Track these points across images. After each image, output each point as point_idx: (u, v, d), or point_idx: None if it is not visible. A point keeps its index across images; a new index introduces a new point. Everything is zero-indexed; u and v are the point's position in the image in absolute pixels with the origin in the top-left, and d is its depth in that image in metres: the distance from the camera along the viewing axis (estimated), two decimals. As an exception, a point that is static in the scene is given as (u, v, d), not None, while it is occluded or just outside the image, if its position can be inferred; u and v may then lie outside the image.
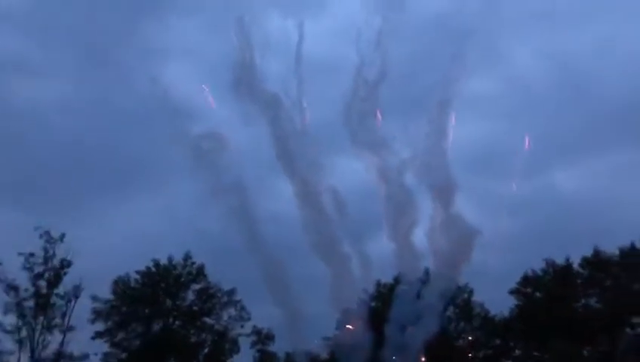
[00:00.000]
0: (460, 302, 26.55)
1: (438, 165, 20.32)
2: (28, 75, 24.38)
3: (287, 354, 25.24)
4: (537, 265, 25.93)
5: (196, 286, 26.36)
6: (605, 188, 37.72)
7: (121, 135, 27.00)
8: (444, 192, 20.55)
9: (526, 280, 26.57)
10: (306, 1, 23.29)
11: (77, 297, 23.13)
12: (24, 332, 22.41)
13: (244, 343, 26.01)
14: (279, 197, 21.77)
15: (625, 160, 40.16)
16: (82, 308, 23.02)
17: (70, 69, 24.80)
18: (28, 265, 22.81)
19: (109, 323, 25.01)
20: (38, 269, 22.89)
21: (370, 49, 20.78)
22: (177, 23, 21.91)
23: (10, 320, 22.30)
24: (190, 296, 26.33)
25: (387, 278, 25.93)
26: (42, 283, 22.65)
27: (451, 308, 26.12)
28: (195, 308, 26.26)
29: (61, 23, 23.30)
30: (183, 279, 26.66)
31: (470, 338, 26.71)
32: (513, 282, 26.09)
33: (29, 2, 23.00)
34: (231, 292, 26.37)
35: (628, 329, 24.44)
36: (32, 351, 22.43)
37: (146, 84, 21.67)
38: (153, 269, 26.28)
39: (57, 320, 22.88)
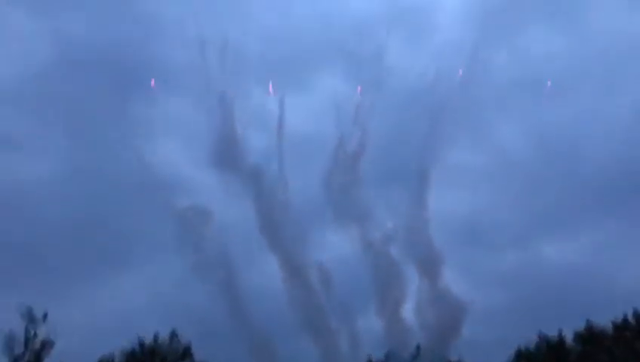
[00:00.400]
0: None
1: (422, 237, 20.56)
2: (13, 151, 24.72)
3: None
4: (530, 339, 25.87)
5: (183, 367, 26.04)
6: (593, 260, 37.73)
7: (106, 211, 27.12)
8: (430, 265, 20.61)
9: (519, 356, 26.07)
10: (288, 77, 24.31)
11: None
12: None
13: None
14: (265, 271, 21.69)
15: (614, 231, 40.51)
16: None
17: (56, 146, 25.25)
18: (8, 347, 22.49)
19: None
20: (19, 350, 22.69)
21: (351, 123, 21.67)
22: (163, 98, 22.69)
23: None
24: (176, 377, 25.97)
25: (378, 355, 25.76)
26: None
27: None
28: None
29: (48, 99, 23.95)
30: (168, 360, 26.08)
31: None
32: (505, 355, 25.73)
33: (17, 80, 23.80)
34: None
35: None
36: None
37: (132, 159, 22.28)
38: (138, 349, 25.68)
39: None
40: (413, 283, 21.60)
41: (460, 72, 22.58)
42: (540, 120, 37.01)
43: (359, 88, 22.01)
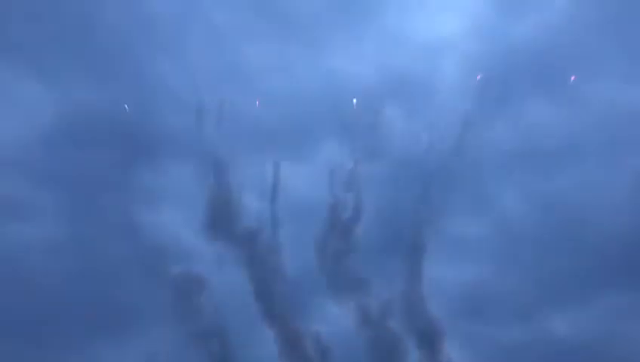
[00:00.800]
0: None
1: (421, 309, 20.16)
2: (13, 216, 24.81)
3: None
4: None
5: None
6: (606, 333, 36.38)
7: (103, 281, 26.79)
8: (430, 338, 20.10)
9: None
10: (284, 143, 24.69)
11: None
12: None
13: None
14: (261, 342, 21.16)
15: (627, 302, 39.20)
16: None
17: (55, 212, 25.27)
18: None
19: None
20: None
21: (346, 190, 21.83)
22: (165, 166, 23.11)
23: None
24: None
25: None
26: None
27: None
28: None
29: (48, 166, 24.32)
30: None
31: None
32: None
33: (19, 146, 24.24)
34: None
35: None
36: None
37: (129, 226, 22.47)
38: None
39: None
40: (413, 357, 21.01)
41: (457, 140, 22.89)
42: (542, 189, 36.98)
43: (355, 156, 22.36)
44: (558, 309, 38.20)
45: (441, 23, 26.16)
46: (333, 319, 22.91)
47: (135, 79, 23.75)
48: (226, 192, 20.24)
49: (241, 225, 20.27)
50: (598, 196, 37.45)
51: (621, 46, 27.59)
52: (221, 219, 19.85)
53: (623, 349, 34.90)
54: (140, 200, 23.52)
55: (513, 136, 31.67)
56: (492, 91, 25.69)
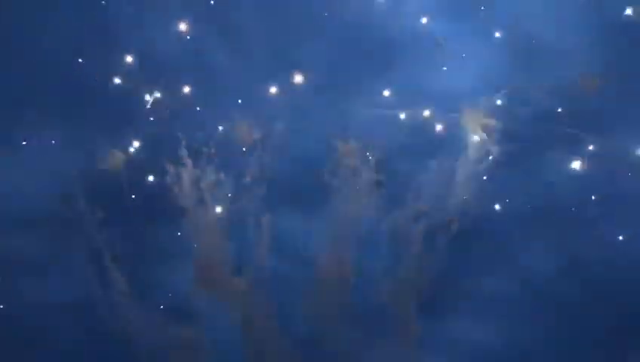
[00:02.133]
0: None
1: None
2: (32, 274, 24.54)
3: None
4: None
5: None
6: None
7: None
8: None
9: None
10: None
11: None
12: None
13: None
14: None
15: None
16: None
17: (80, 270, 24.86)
18: None
19: None
20: None
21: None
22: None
23: None
24: None
25: None
26: None
27: None
28: None
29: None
30: None
31: None
32: None
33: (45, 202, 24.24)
34: None
35: None
36: None
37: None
38: None
39: None
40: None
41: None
42: (568, 247, 35.82)
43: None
44: (586, 372, 36.20)
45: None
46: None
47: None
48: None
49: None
50: (631, 253, 36.17)
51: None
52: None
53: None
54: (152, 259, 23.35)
55: (534, 192, 31.09)
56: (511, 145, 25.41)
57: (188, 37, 22.20)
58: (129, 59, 21.17)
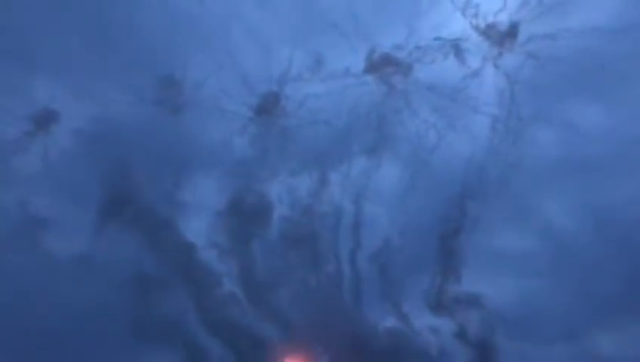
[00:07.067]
0: None
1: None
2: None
3: None
4: None
5: None
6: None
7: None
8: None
9: None
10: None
11: None
12: None
13: None
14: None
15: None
16: None
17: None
18: None
19: None
20: None
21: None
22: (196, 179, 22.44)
23: None
24: None
25: None
26: None
27: None
28: None
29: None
30: None
31: None
32: None
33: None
34: None
35: None
36: None
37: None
38: None
39: None
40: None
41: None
42: (592, 201, 34.80)
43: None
44: (606, 329, 35.93)
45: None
46: None
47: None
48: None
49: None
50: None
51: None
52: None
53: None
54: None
55: (560, 144, 29.94)
56: (539, 96, 24.22)
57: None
58: None
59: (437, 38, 21.69)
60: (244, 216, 21.29)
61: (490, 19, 21.85)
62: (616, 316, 34.44)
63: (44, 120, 21.72)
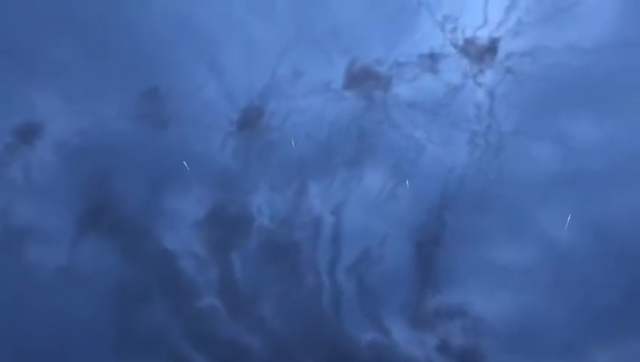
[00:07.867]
0: None
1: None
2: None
3: None
4: None
5: None
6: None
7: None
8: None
9: None
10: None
11: None
12: None
13: None
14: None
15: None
16: None
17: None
18: None
19: None
20: None
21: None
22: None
23: None
24: None
25: None
26: None
27: None
28: None
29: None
30: None
31: None
32: None
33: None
34: None
35: None
36: None
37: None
38: None
39: None
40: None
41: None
42: (590, 213, 34.19)
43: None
44: (603, 345, 34.91)
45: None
46: None
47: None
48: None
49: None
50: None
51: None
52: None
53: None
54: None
55: (556, 157, 29.66)
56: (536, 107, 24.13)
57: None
58: None
59: (419, 55, 21.98)
60: (225, 227, 21.47)
61: (470, 34, 22.03)
62: (614, 330, 33.53)
63: (28, 132, 22.22)
